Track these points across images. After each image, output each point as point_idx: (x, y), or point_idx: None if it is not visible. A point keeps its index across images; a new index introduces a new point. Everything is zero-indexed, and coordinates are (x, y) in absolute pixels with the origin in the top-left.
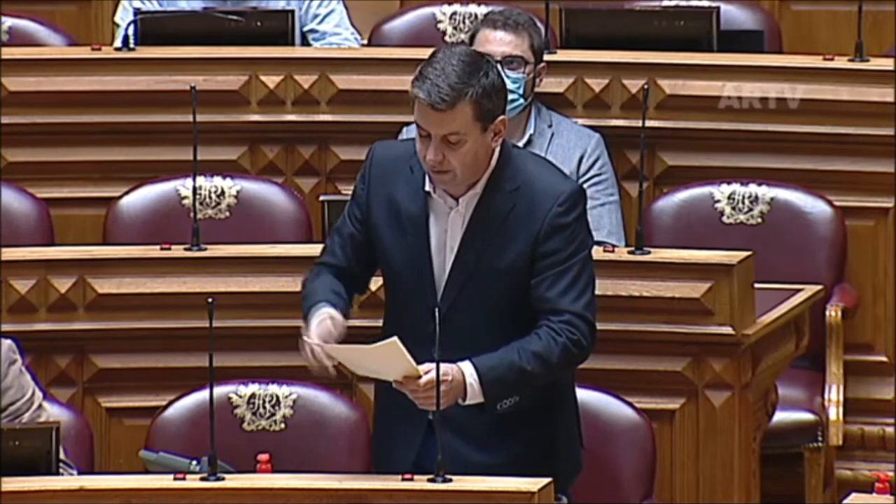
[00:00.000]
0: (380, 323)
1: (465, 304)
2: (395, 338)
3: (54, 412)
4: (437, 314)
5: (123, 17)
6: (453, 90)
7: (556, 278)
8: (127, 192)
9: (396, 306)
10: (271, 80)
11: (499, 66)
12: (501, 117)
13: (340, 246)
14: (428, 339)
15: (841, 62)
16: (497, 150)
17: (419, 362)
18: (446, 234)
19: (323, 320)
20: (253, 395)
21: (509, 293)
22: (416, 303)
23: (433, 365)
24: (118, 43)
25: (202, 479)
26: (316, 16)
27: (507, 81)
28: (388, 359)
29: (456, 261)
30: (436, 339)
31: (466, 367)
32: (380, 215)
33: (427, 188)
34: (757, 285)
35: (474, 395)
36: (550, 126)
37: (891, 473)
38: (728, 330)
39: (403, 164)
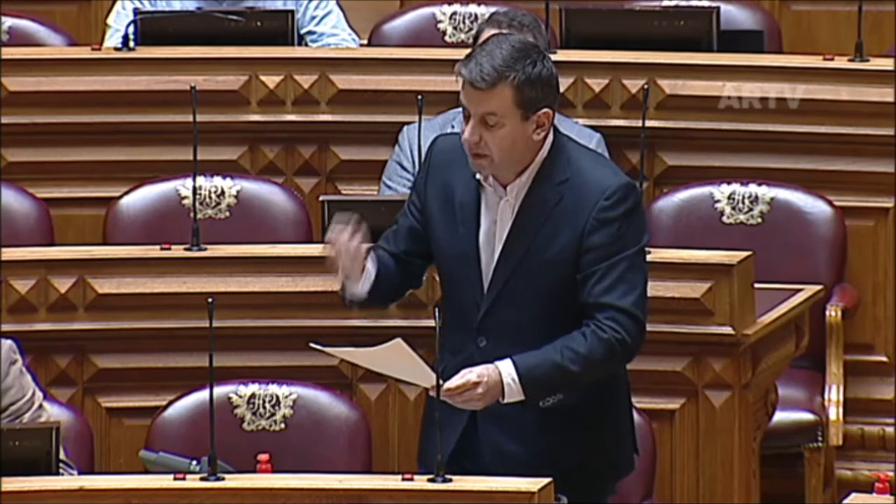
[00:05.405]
0: (380, 324)
1: (511, 295)
2: (398, 339)
3: (54, 412)
4: (480, 305)
5: (117, 20)
6: (495, 71)
7: (603, 274)
8: (127, 192)
9: (448, 295)
10: (271, 80)
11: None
12: (546, 110)
13: (396, 234)
14: (474, 329)
15: (841, 62)
16: (548, 142)
17: (466, 351)
18: (496, 225)
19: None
20: (253, 395)
21: (556, 286)
22: (463, 292)
23: (470, 369)
24: (108, 44)
25: (202, 479)
26: (313, 18)
27: None
28: (397, 359)
29: (503, 251)
30: (481, 329)
31: (505, 367)
32: (435, 203)
33: (478, 176)
34: (757, 285)
35: (513, 394)
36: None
37: (891, 473)
38: (728, 330)
39: (461, 153)
